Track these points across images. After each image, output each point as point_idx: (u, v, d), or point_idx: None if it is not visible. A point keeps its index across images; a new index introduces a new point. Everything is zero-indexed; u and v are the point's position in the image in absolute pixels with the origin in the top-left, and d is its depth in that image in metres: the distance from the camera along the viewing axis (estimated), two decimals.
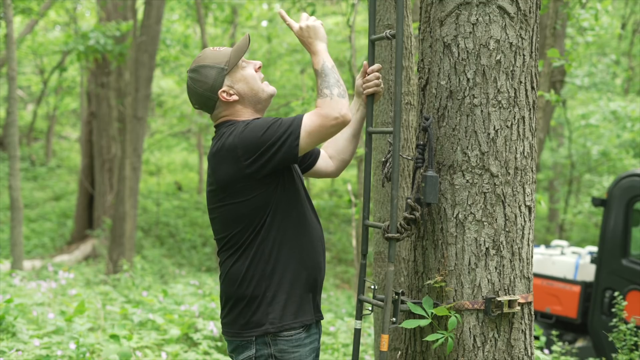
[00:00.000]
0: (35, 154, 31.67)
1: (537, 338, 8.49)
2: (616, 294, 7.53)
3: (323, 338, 8.27)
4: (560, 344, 8.07)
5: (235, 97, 3.68)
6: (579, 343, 9.76)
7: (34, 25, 23.41)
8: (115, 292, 10.88)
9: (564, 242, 11.26)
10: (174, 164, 32.29)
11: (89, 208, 23.24)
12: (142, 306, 8.78)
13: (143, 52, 17.42)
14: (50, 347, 6.25)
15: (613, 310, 7.53)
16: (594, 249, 10.86)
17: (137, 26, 18.27)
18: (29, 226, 23.44)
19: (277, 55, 24.94)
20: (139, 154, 17.40)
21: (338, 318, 10.58)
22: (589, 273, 9.93)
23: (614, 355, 7.21)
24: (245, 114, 3.71)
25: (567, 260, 10.20)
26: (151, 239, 23.90)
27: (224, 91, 3.67)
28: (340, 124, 3.44)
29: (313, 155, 4.03)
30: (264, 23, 25.99)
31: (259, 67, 3.75)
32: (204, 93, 3.69)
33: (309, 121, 3.42)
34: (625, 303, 7.09)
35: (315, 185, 29.51)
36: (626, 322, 7.14)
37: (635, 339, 6.82)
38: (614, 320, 7.08)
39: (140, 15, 20.88)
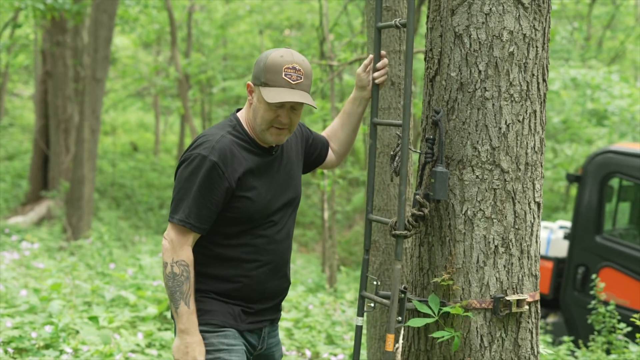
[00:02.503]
0: None
1: None
2: (593, 275, 7.54)
3: (296, 315, 8.15)
4: None
5: (250, 100, 3.70)
6: (551, 318, 9.78)
7: None
8: (82, 263, 10.65)
9: None
10: (129, 123, 31.86)
11: (43, 169, 22.78)
12: (112, 280, 8.59)
13: (102, 12, 16.97)
14: (22, 327, 6.05)
15: (591, 286, 7.53)
16: (565, 223, 10.86)
17: None
18: None
19: (236, 17, 24.57)
20: (97, 116, 17.06)
21: (309, 292, 10.49)
22: (560, 248, 9.92)
23: (591, 336, 7.22)
24: (247, 113, 3.75)
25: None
26: (107, 200, 23.56)
27: (250, 85, 3.69)
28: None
29: (320, 151, 4.11)
30: None
31: (278, 117, 3.62)
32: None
33: (167, 234, 3.58)
34: (603, 285, 7.09)
35: None
36: (605, 303, 7.15)
37: (614, 320, 6.83)
38: (593, 302, 7.07)
39: None
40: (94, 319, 6.05)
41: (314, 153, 4.06)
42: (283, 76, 3.53)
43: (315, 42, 17.35)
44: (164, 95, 25.18)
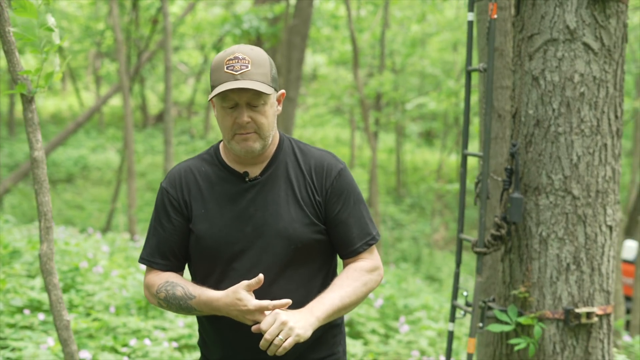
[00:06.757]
0: (195, 127, 32.93)
1: None
2: None
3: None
4: None
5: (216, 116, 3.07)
6: None
7: (193, 6, 24.42)
8: None
9: None
10: (327, 138, 32.95)
11: None
12: None
13: (295, 34, 17.99)
14: (192, 326, 6.84)
15: None
16: None
17: (289, 9, 18.84)
18: None
19: (426, 35, 25.04)
20: (289, 133, 18.06)
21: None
22: None
23: None
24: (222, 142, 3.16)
25: None
26: None
27: (212, 101, 3.02)
28: None
29: (334, 233, 3.12)
30: None
31: (236, 120, 2.94)
32: None
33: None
34: None
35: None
36: None
37: None
38: None
39: None
40: None
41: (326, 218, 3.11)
42: (225, 70, 2.90)
43: None
44: (359, 111, 26.00)
